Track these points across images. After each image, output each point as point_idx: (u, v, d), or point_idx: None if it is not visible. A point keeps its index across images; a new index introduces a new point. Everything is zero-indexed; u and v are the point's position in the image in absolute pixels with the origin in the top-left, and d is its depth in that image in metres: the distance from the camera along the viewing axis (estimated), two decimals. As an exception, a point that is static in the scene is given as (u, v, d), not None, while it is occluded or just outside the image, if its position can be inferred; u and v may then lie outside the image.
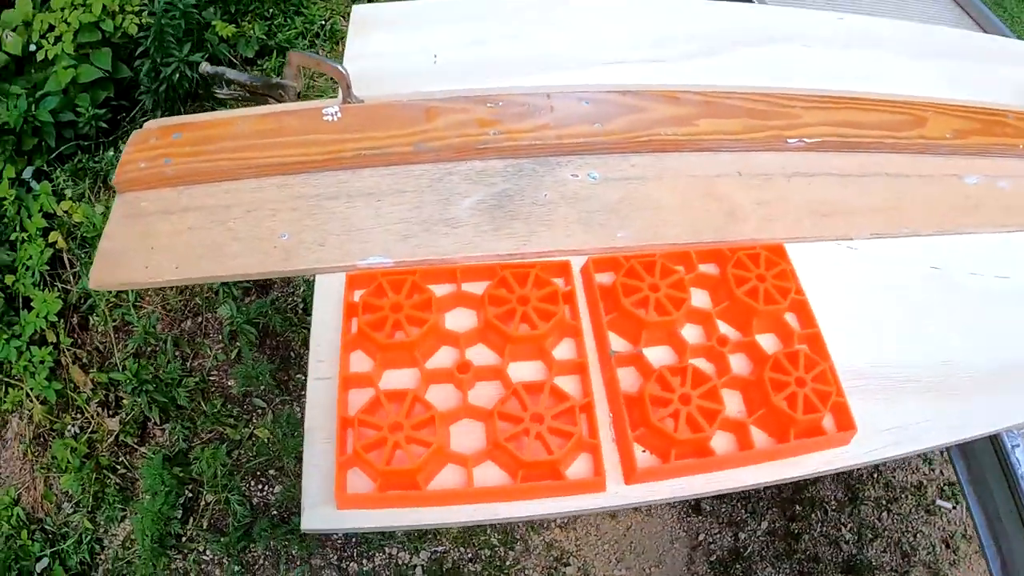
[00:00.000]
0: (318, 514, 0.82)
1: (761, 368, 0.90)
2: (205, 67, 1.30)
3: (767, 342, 0.96)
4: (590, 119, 1.19)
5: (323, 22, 3.06)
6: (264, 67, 2.89)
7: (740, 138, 1.22)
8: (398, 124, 1.13)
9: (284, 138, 1.11)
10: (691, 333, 0.96)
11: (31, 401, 2.23)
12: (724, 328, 0.97)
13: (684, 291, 0.95)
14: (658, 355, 0.93)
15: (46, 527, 2.16)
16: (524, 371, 0.90)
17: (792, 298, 0.98)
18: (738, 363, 0.94)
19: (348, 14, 3.18)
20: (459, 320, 0.95)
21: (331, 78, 1.21)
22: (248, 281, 2.42)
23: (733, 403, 0.91)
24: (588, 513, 0.86)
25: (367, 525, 0.82)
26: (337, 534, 0.86)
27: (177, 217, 1.06)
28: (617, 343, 0.93)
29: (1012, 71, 1.51)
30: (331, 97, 1.21)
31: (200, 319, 2.42)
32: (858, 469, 2.32)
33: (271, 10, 2.97)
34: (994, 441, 1.17)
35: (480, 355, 0.91)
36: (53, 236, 2.38)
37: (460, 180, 1.10)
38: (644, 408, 0.83)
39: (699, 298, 1.00)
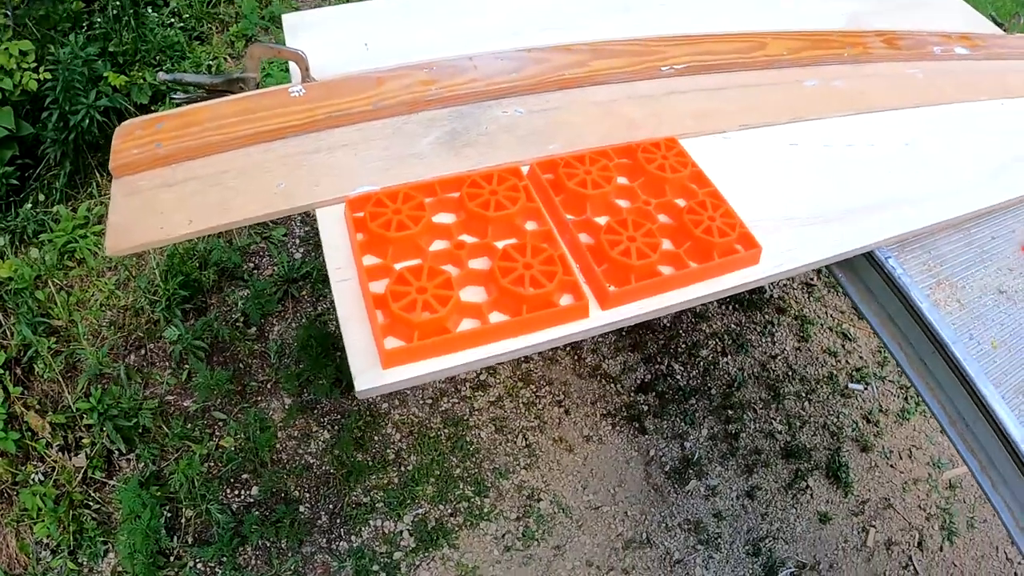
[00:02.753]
0: (367, 378, 1.02)
1: (681, 217, 1.18)
2: (163, 75, 1.48)
3: (680, 203, 1.25)
4: (507, 71, 1.46)
5: (209, 63, 3.20)
6: (176, 102, 2.99)
7: (625, 71, 1.53)
8: (356, 91, 1.36)
9: (261, 113, 1.31)
10: (623, 203, 1.24)
11: (-12, 457, 2.22)
12: (645, 197, 1.25)
13: (611, 172, 1.22)
14: (603, 220, 1.19)
15: (25, 579, 2.15)
16: (506, 244, 1.14)
17: (690, 170, 1.27)
18: (662, 219, 1.23)
19: (229, 56, 3.35)
20: (445, 220, 1.18)
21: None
22: (187, 303, 2.52)
23: (666, 245, 1.19)
24: (578, 338, 1.09)
25: (408, 376, 1.02)
26: (383, 393, 1.05)
27: (178, 187, 1.24)
28: (569, 216, 1.18)
29: (837, 5, 1.96)
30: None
31: (143, 351, 2.49)
32: (774, 369, 2.69)
33: (157, 57, 3.09)
34: (870, 259, 1.47)
35: (468, 241, 1.14)
36: (-21, 295, 2.39)
37: (416, 126, 1.34)
38: (603, 249, 1.09)
39: (621, 180, 1.28)
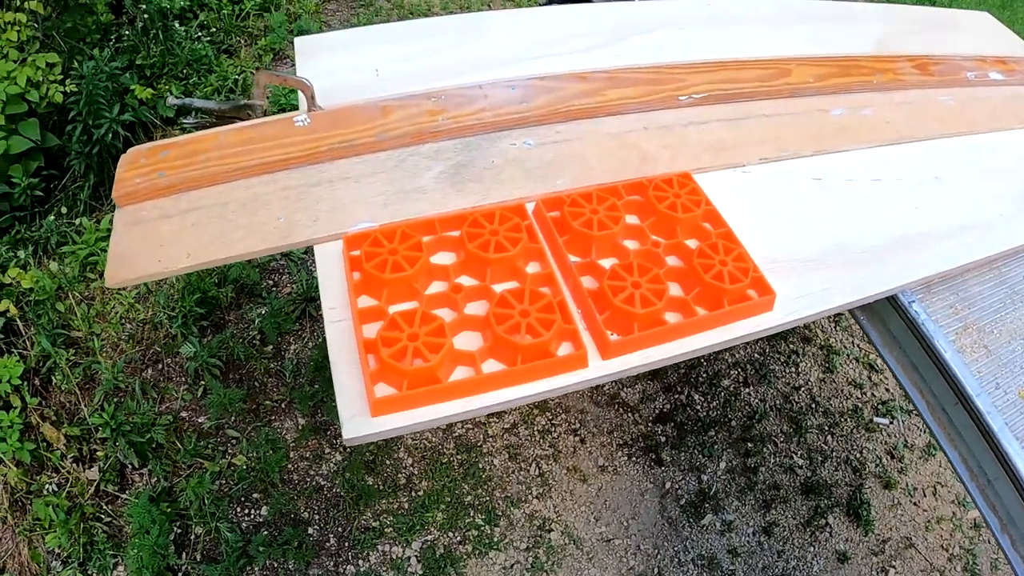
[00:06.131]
0: (355, 425, 0.99)
1: (691, 260, 1.13)
2: (172, 100, 1.47)
3: (691, 244, 1.20)
4: (517, 100, 1.42)
5: (236, 77, 3.22)
6: (185, 127, 3.01)
7: (641, 101, 1.48)
8: (360, 121, 1.33)
9: (264, 143, 1.29)
10: (630, 245, 1.19)
11: (5, 466, 2.24)
12: (655, 238, 1.20)
13: (619, 211, 1.18)
14: (608, 263, 1.15)
15: (36, 589, 2.17)
16: (504, 288, 1.10)
17: (704, 208, 1.22)
18: (672, 261, 1.17)
19: (256, 68, 3.36)
20: (443, 260, 1.14)
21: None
22: (205, 320, 2.52)
23: (674, 290, 1.13)
24: (577, 388, 1.04)
25: (397, 425, 0.99)
26: (372, 440, 1.01)
27: (178, 218, 1.22)
28: (573, 258, 1.14)
29: (868, 27, 1.89)
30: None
31: (160, 365, 2.50)
32: (797, 401, 2.61)
33: (185, 71, 3.11)
34: (893, 303, 1.40)
35: (466, 283, 1.11)
36: (3, 304, 2.41)
37: (421, 159, 1.30)
38: (606, 296, 1.05)
39: (630, 219, 1.23)
